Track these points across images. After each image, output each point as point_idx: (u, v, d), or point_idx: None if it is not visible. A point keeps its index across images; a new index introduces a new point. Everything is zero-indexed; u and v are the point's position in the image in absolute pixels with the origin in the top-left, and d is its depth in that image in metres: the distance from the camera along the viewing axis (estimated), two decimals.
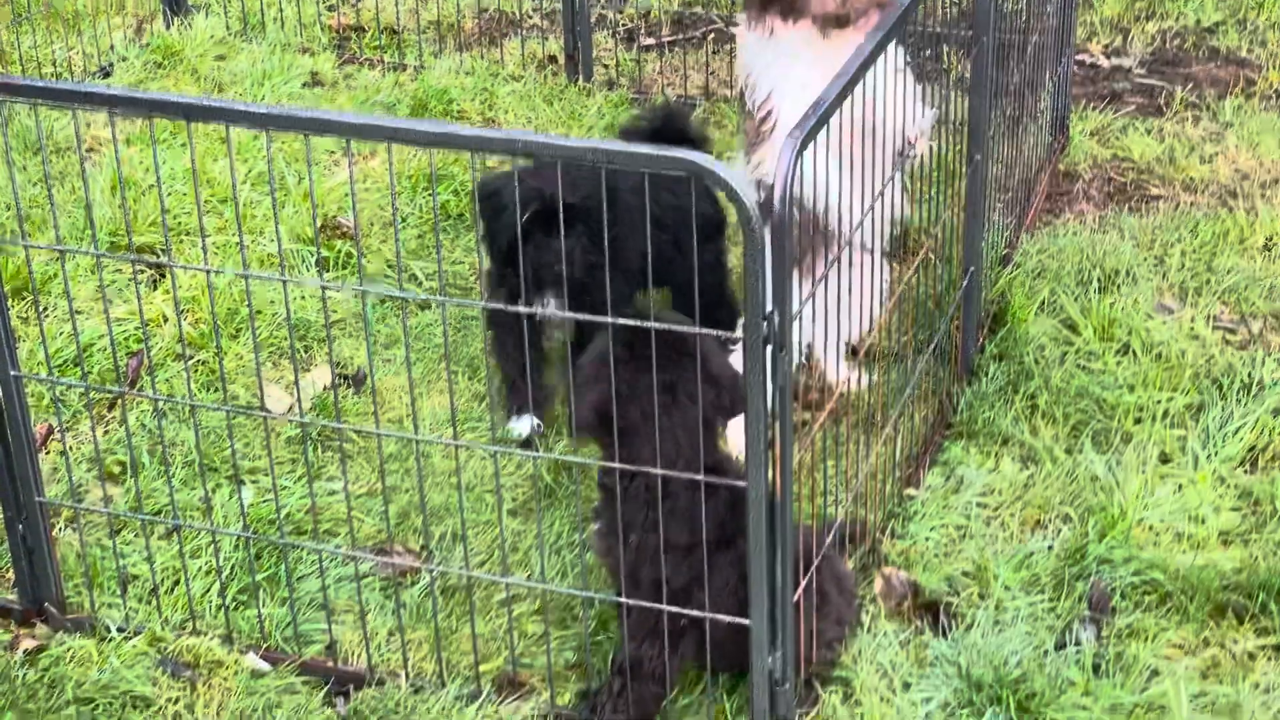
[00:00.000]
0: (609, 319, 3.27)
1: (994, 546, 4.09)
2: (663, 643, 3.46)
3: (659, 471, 3.34)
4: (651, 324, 3.29)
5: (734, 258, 4.99)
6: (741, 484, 3.25)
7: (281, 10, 7.25)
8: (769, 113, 4.40)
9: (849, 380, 4.57)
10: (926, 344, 4.44)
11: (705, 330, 3.38)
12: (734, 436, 4.42)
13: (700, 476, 3.34)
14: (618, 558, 3.46)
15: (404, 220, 5.64)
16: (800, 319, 3.39)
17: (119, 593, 3.96)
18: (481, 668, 3.74)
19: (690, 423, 3.36)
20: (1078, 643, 3.77)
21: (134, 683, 3.70)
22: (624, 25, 7.31)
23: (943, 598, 3.92)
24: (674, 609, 3.44)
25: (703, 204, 4.57)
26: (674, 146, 3.17)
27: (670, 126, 4.67)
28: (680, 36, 7.23)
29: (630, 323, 3.29)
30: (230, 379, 4.81)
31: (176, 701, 3.69)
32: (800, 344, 4.37)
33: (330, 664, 3.79)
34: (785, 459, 3.25)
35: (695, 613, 3.44)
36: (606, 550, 3.53)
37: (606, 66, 6.89)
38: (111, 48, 7.01)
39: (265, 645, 3.83)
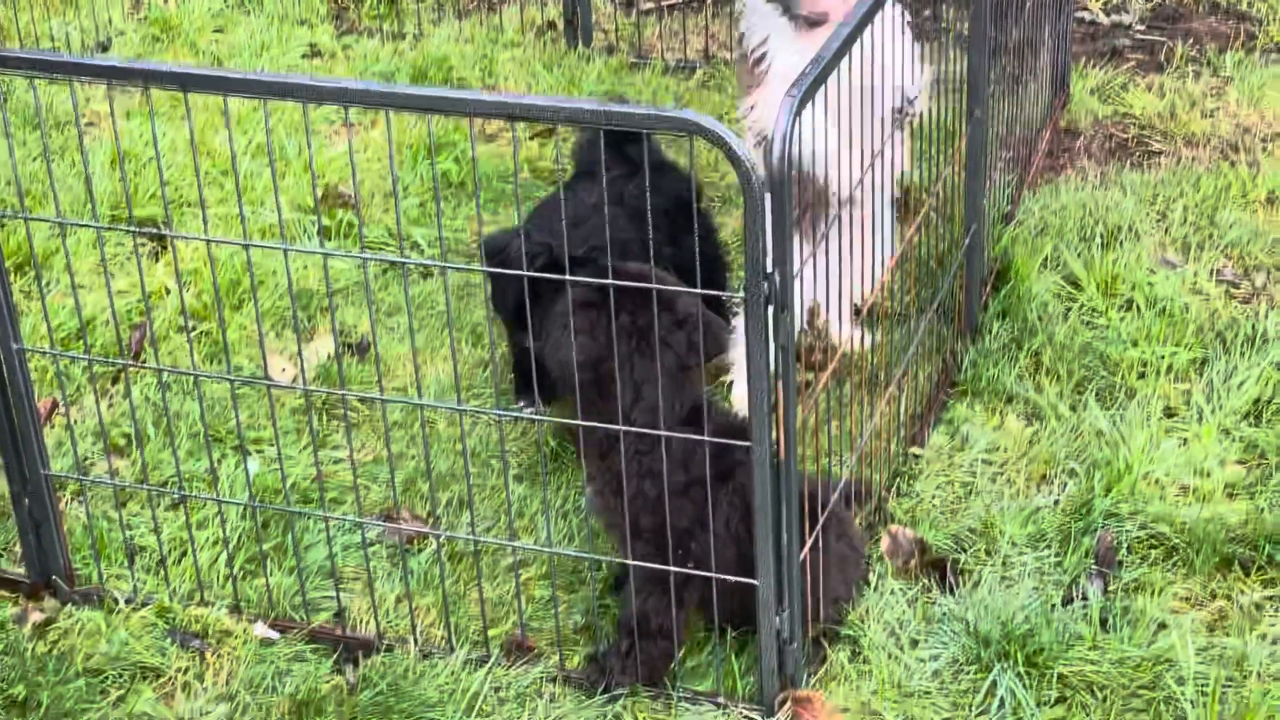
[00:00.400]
0: (610, 281, 3.28)
1: (1000, 503, 4.09)
2: (669, 595, 3.47)
3: (656, 431, 3.35)
4: (652, 285, 3.30)
5: (734, 219, 4.99)
6: (745, 444, 3.25)
7: None
8: (764, 55, 4.38)
9: (852, 340, 4.56)
10: (930, 302, 4.43)
11: (707, 292, 3.40)
12: (738, 397, 4.43)
13: (683, 436, 3.35)
14: (616, 511, 3.47)
15: (405, 188, 5.63)
16: (802, 279, 3.39)
17: (126, 564, 3.97)
18: (490, 632, 3.75)
19: (664, 363, 3.39)
20: (1084, 597, 3.77)
21: (143, 653, 3.72)
22: None
23: (949, 555, 3.92)
24: (679, 569, 3.46)
25: (673, 182, 4.50)
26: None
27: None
28: (679, 0, 7.20)
29: (633, 285, 3.30)
30: (233, 349, 4.81)
31: (186, 671, 3.70)
32: (803, 305, 4.36)
33: (339, 631, 3.80)
34: (789, 419, 3.25)
35: (700, 572, 3.46)
36: (604, 506, 3.54)
37: (606, 32, 6.87)
38: (110, 22, 6.99)
39: (273, 614, 3.84)
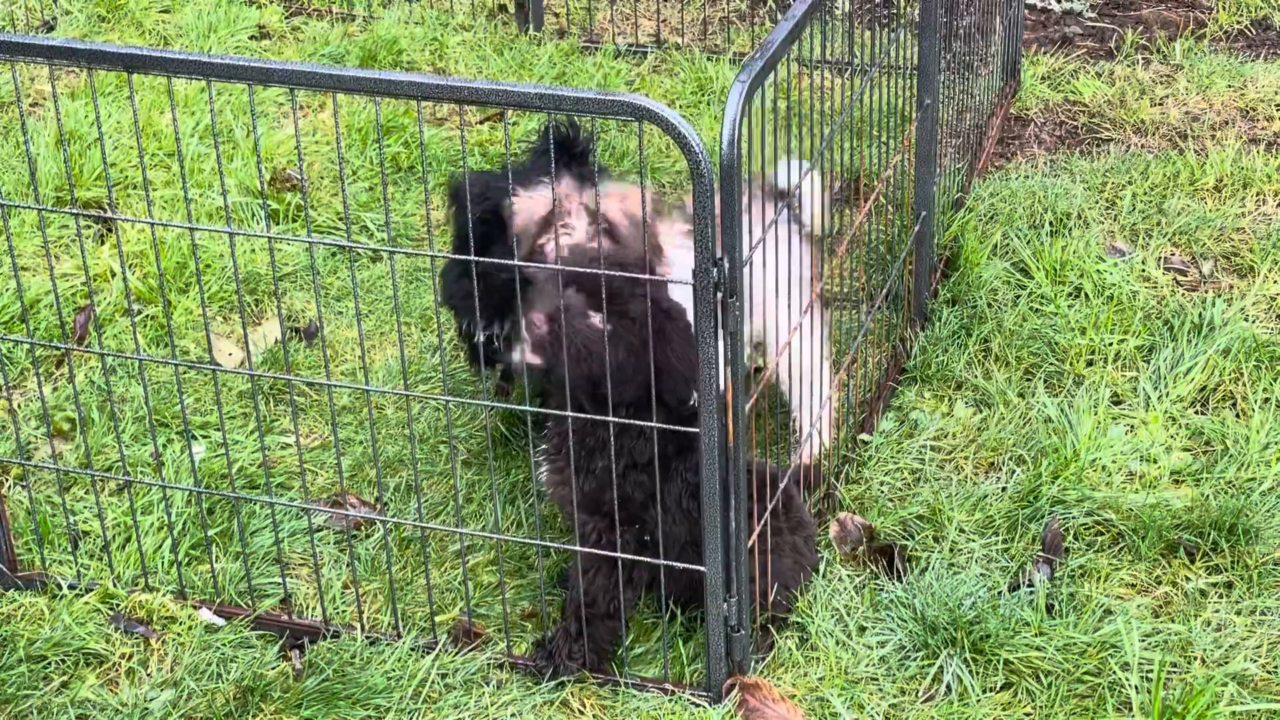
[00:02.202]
0: (558, 267, 3.27)
1: (948, 490, 4.10)
2: (616, 574, 3.47)
3: (620, 421, 3.34)
4: (600, 270, 3.29)
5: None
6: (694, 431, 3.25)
7: None
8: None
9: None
10: (879, 289, 4.43)
11: (659, 278, 3.39)
12: None
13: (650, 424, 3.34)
14: (571, 484, 3.46)
15: (355, 173, 5.60)
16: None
17: (70, 550, 3.93)
18: (437, 618, 3.73)
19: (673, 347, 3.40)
20: (1031, 584, 3.79)
21: (86, 639, 3.68)
22: None
23: (897, 541, 3.93)
24: (630, 557, 3.45)
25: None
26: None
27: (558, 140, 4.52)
28: None
29: (580, 270, 3.30)
30: (179, 333, 4.78)
31: (130, 657, 3.67)
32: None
33: (285, 617, 3.77)
34: (737, 405, 3.24)
35: (650, 560, 3.45)
36: (562, 481, 3.52)
37: (557, 15, 6.84)
38: (55, 1, 6.92)
39: (219, 600, 3.82)
